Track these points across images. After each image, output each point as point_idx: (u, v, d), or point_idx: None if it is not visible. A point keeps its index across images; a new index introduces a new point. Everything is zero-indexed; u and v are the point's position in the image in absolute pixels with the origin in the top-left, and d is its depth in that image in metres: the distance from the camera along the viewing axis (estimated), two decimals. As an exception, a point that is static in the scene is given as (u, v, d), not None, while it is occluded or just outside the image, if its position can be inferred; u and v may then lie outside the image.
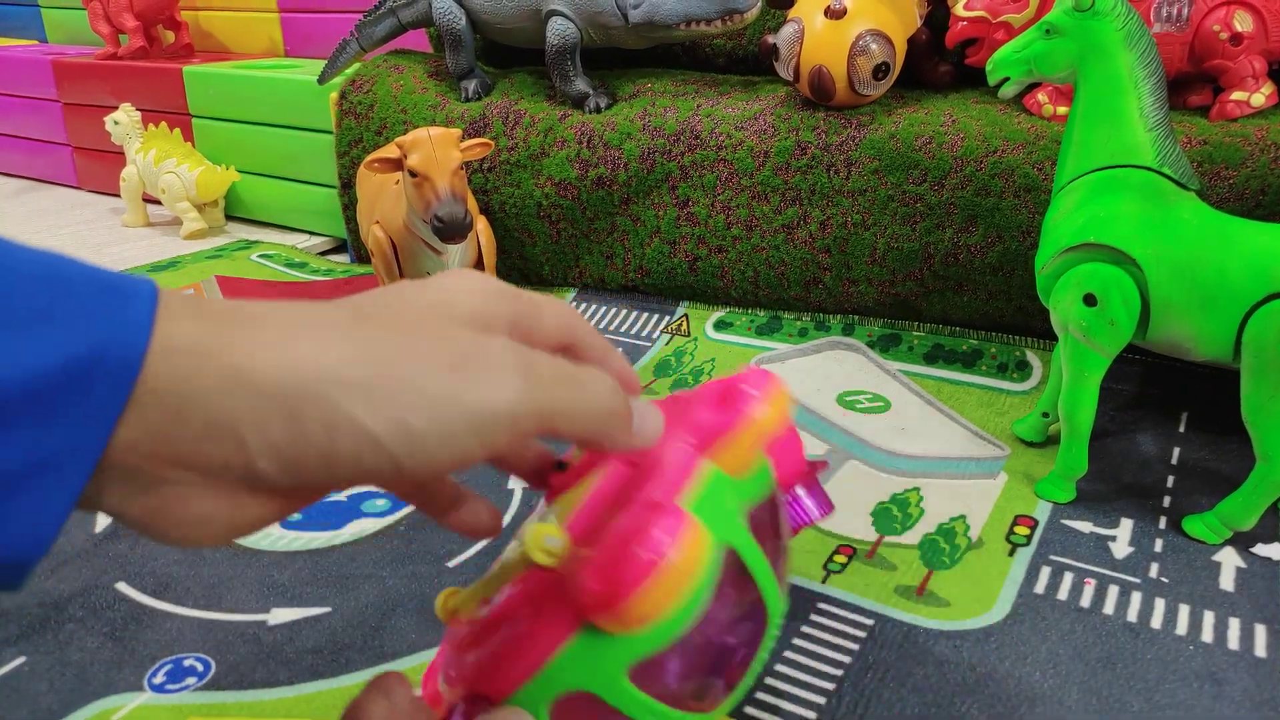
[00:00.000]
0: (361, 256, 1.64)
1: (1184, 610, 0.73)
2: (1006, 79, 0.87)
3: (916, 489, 0.91)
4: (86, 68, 2.07)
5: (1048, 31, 0.86)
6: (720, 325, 1.26)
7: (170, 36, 2.15)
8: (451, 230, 1.04)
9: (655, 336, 1.26)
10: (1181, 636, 0.71)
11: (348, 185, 1.55)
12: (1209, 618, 0.73)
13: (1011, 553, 0.81)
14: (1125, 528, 0.85)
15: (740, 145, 1.17)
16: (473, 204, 1.21)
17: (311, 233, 1.84)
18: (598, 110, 1.31)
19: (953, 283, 1.09)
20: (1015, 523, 0.86)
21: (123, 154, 1.98)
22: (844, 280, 1.15)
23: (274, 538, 0.84)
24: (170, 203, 1.81)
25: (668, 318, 1.30)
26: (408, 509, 0.88)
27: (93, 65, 2.05)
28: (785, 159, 1.14)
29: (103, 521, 0.86)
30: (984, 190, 1.03)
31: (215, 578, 0.78)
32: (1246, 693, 0.65)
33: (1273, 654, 0.69)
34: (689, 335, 1.25)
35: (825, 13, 1.07)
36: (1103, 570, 0.79)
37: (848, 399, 1.09)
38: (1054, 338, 1.07)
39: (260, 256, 1.68)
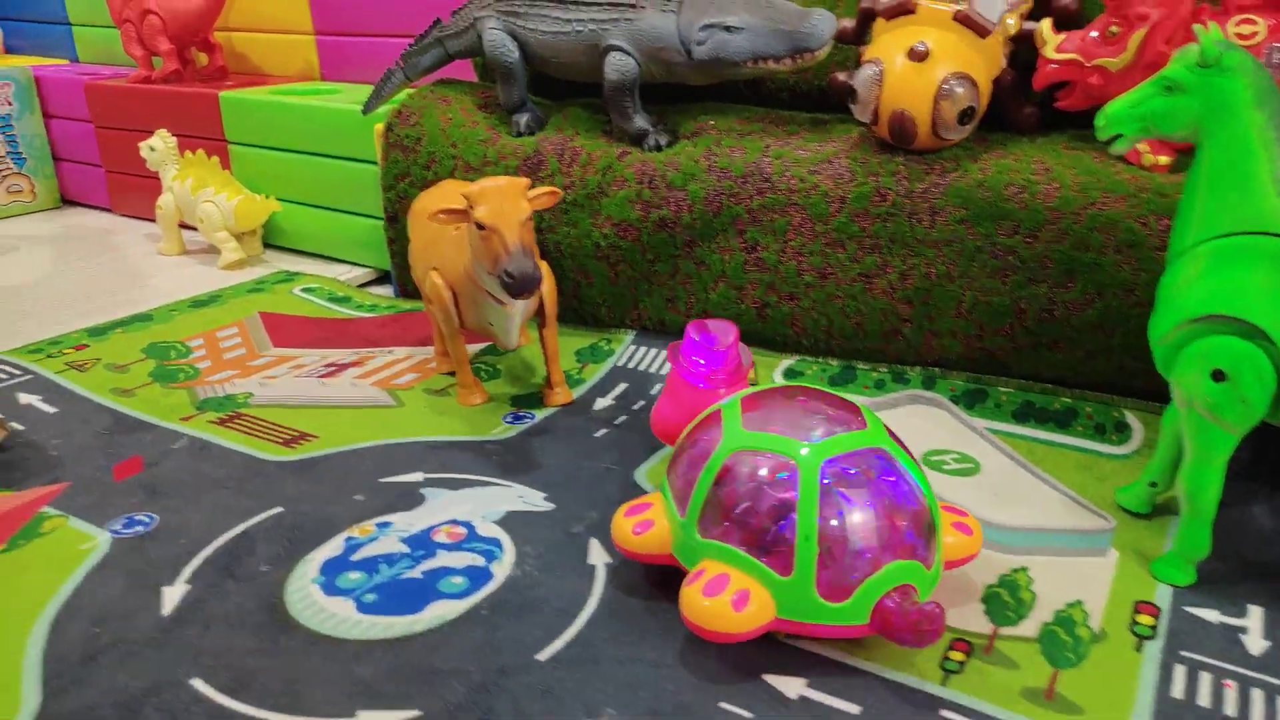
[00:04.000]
0: (407, 292, 1.59)
1: (1337, 720, 0.68)
2: (1119, 135, 0.82)
3: (1024, 569, 0.86)
4: (120, 91, 2.03)
5: (1168, 88, 0.81)
6: (790, 374, 1.21)
7: (204, 59, 2.11)
8: (522, 287, 0.99)
9: (723, 385, 1.21)
10: (1343, 752, 0.66)
11: (394, 219, 1.51)
12: (1368, 729, 0.67)
13: (1139, 647, 0.76)
14: (1256, 616, 0.80)
15: (814, 190, 1.12)
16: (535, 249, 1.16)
17: (353, 263, 1.79)
18: (658, 148, 1.27)
19: (1046, 339, 1.03)
20: (1136, 610, 0.80)
21: (157, 178, 1.94)
22: (926, 332, 1.10)
23: (352, 623, 0.79)
24: (208, 232, 1.77)
25: (734, 365, 1.24)
26: (488, 588, 0.84)
27: (127, 89, 2.01)
28: (863, 205, 1.09)
29: (169, 602, 0.82)
30: (1082, 244, 0.97)
31: (295, 672, 0.73)
32: None
33: None
34: (756, 384, 1.20)
35: (908, 54, 1.02)
36: (1240, 670, 0.73)
37: (934, 459, 1.03)
38: (1157, 398, 1.02)
39: (303, 290, 1.64)
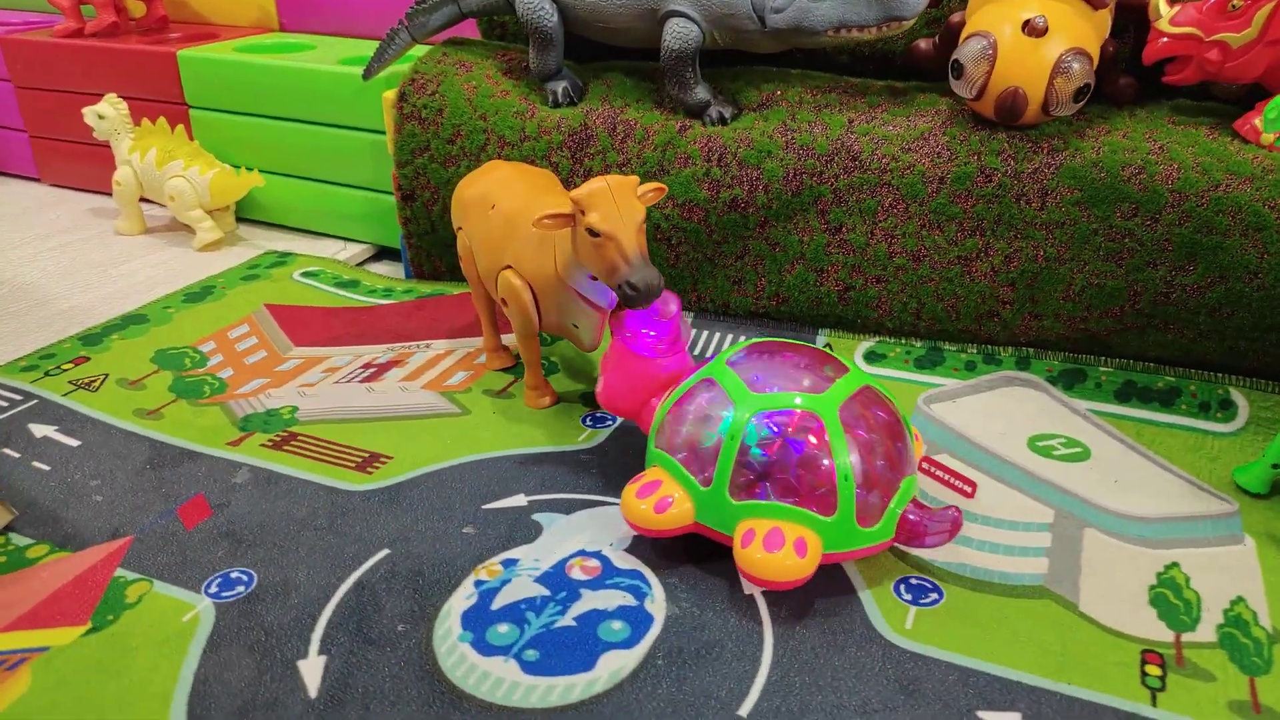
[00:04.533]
0: (423, 273, 1.48)
1: None
2: (1295, 129, 0.80)
3: (1176, 564, 0.86)
4: (48, 48, 1.80)
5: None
6: (871, 357, 1.17)
7: (141, 8, 1.88)
8: (645, 298, 0.90)
9: (801, 371, 1.17)
10: None
11: (409, 197, 1.39)
12: None
13: (1317, 645, 0.77)
14: (1406, 601, 0.82)
15: (910, 169, 1.07)
16: None
17: (346, 239, 1.66)
18: (722, 122, 1.19)
19: (1157, 321, 1.02)
20: (1298, 603, 0.81)
21: (97, 145, 1.75)
22: (1025, 314, 1.08)
23: (525, 688, 0.73)
24: (180, 211, 1.60)
25: (809, 348, 1.20)
26: (651, 633, 0.79)
27: (56, 45, 1.79)
28: (965, 186, 1.05)
29: (312, 681, 0.74)
30: (1206, 227, 0.96)
31: (487, 757, 0.67)
32: None
33: None
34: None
35: (1024, 28, 0.97)
36: None
37: (1040, 444, 1.02)
38: (1263, 375, 1.02)
39: (303, 275, 1.51)
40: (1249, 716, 0.71)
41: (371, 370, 1.22)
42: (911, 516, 0.82)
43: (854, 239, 1.12)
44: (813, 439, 0.80)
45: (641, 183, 0.92)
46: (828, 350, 0.90)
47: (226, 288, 1.46)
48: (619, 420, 1.10)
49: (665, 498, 0.84)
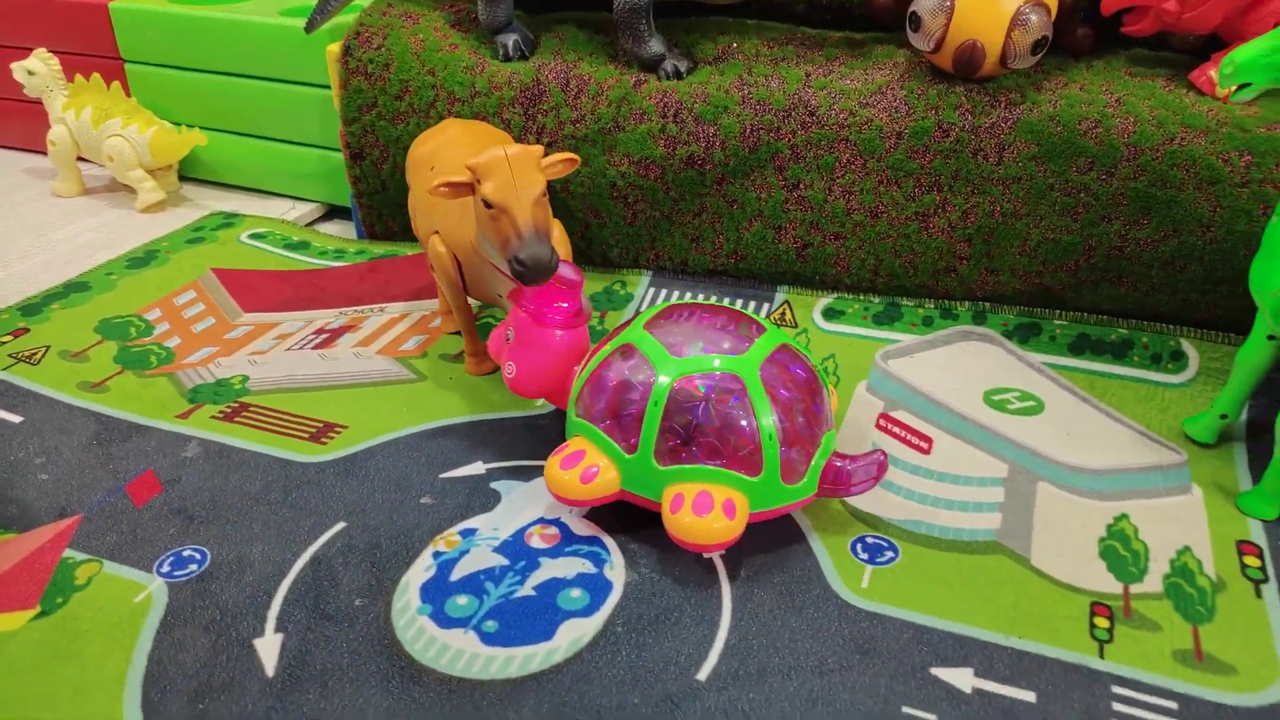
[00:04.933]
0: (375, 233, 1.45)
1: None
2: (1246, 85, 0.79)
3: (1125, 516, 0.87)
4: (-30, -1, 1.71)
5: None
6: (830, 314, 1.17)
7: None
8: (534, 276, 0.87)
9: (759, 329, 1.16)
10: None
11: (358, 155, 1.35)
12: None
13: (1258, 592, 0.79)
14: (1345, 547, 0.84)
15: (867, 124, 1.06)
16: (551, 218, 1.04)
17: (294, 198, 1.62)
18: (677, 76, 1.16)
19: (1111, 274, 1.03)
20: (1241, 551, 0.83)
21: (29, 101, 1.68)
22: (982, 270, 1.08)
23: (484, 659, 0.73)
24: (120, 171, 1.55)
25: (767, 305, 1.20)
26: (610, 600, 0.79)
27: (-21, -3, 1.70)
28: (923, 141, 1.04)
29: (269, 660, 0.73)
30: (1161, 181, 0.96)
31: (448, 731, 0.68)
32: None
33: None
34: (796, 325, 1.16)
35: (981, -21, 0.95)
36: (1355, 606, 0.78)
37: (995, 398, 1.03)
38: (1213, 326, 1.04)
39: (251, 237, 1.47)
40: (1192, 665, 0.72)
41: (324, 336, 1.20)
42: (837, 463, 0.83)
43: (812, 195, 1.11)
44: (735, 400, 0.80)
45: (550, 151, 0.90)
46: (746, 311, 0.91)
47: (171, 252, 1.42)
48: (577, 383, 1.09)
49: (590, 467, 0.83)
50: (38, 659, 0.73)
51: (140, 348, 1.16)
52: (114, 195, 1.64)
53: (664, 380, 0.81)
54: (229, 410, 1.04)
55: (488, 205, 0.87)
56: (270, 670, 0.73)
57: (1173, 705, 0.69)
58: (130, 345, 1.17)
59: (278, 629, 0.76)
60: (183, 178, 1.68)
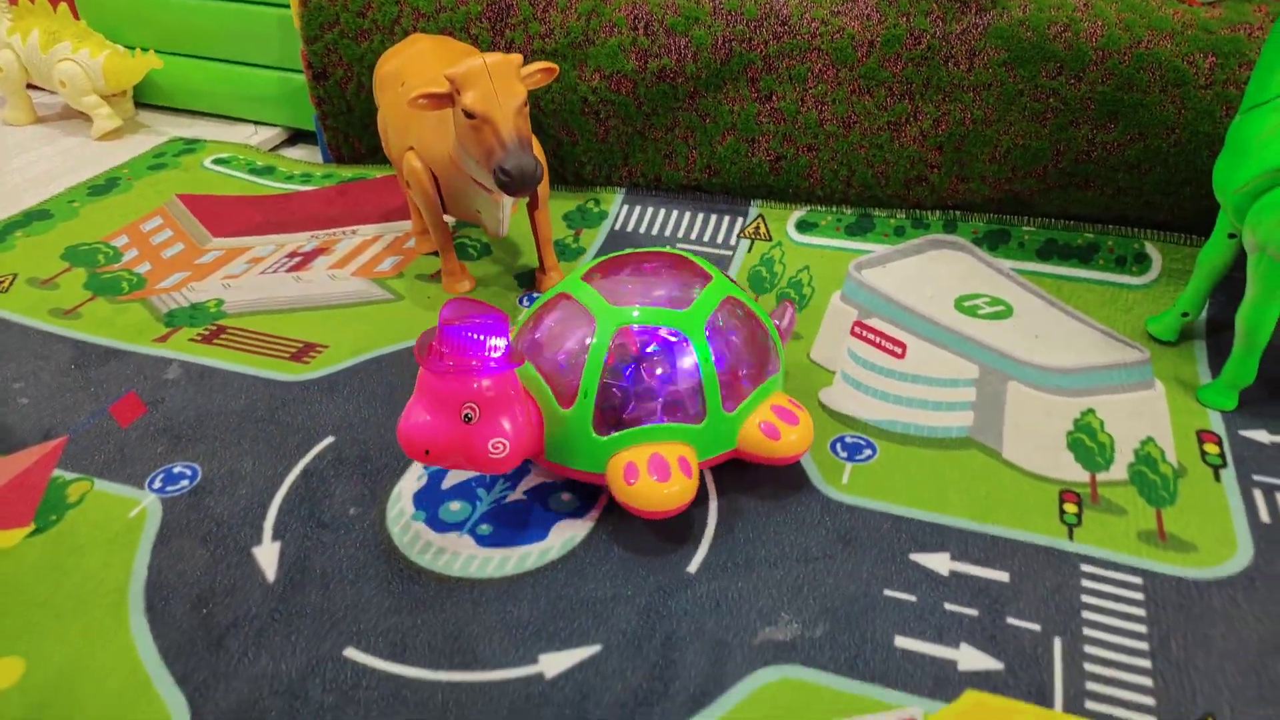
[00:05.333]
0: (341, 157, 1.43)
1: (1396, 523, 0.78)
2: (1215, -18, 0.80)
3: (1092, 410, 0.91)
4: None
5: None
6: (804, 226, 1.19)
7: None
8: (520, 185, 0.87)
9: (734, 243, 1.18)
10: None
11: (321, 76, 1.33)
12: None
13: (1216, 477, 0.83)
14: (1296, 432, 0.88)
15: (839, 33, 1.06)
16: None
17: (255, 123, 1.58)
18: (647, -14, 1.15)
19: (1078, 179, 1.05)
20: (1201, 440, 0.87)
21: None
22: (953, 178, 1.10)
23: (481, 560, 0.75)
24: (74, 97, 1.50)
25: (741, 219, 1.21)
26: (601, 502, 0.81)
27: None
28: (894, 49, 1.04)
29: (269, 566, 0.75)
30: (1128, 85, 0.98)
31: (450, 624, 0.70)
32: None
33: None
34: (770, 239, 1.18)
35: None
36: (1305, 487, 0.82)
37: (966, 304, 1.06)
38: (1175, 228, 1.07)
39: (214, 163, 1.44)
40: (1155, 544, 0.77)
41: (297, 259, 1.19)
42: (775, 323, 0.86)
43: (785, 107, 1.12)
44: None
45: (528, 61, 0.89)
46: (689, 256, 0.84)
47: (133, 178, 1.39)
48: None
49: (682, 458, 0.75)
50: (39, 573, 0.74)
51: (110, 274, 1.15)
52: (68, 123, 1.60)
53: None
54: (207, 333, 1.04)
55: (469, 115, 0.86)
56: (271, 576, 0.74)
57: (1138, 580, 0.73)
58: (100, 272, 1.15)
59: (275, 537, 0.78)
60: (138, 103, 1.64)
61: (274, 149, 1.54)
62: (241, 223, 1.27)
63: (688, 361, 0.76)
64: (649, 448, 0.74)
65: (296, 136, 1.58)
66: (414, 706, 0.64)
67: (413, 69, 1.04)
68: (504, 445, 0.70)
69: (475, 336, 0.67)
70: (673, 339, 0.76)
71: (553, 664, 0.67)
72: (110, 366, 0.98)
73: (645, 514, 0.73)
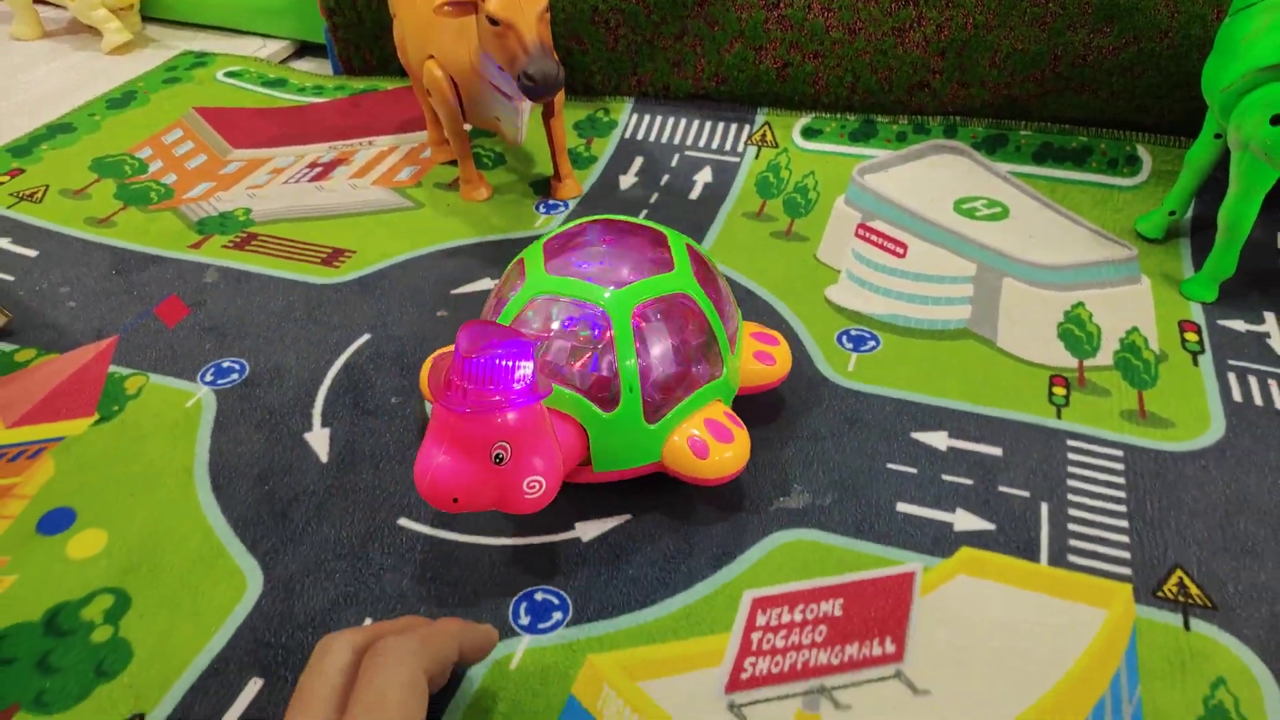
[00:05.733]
0: (352, 69, 1.45)
1: (1357, 401, 0.85)
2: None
3: (1081, 304, 0.97)
4: None
5: None
6: (808, 133, 1.22)
7: None
8: (544, 90, 0.89)
9: (741, 150, 1.22)
10: (1368, 427, 0.82)
11: (332, -14, 1.34)
12: (1380, 406, 0.84)
13: (1195, 362, 0.89)
14: (1271, 321, 0.94)
15: (846, -62, 1.08)
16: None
17: (263, 35, 1.60)
18: (656, -107, 1.16)
19: (1074, 83, 1.09)
20: (1182, 329, 0.93)
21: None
22: (954, 84, 1.13)
23: (516, 442, 0.81)
24: (83, 11, 1.52)
25: (748, 127, 1.25)
26: (625, 389, 0.87)
27: None
28: (899, -46, 1.07)
29: (321, 449, 0.81)
30: (1123, -12, 1.01)
31: (492, 498, 0.76)
32: None
33: None
34: (777, 145, 1.22)
35: None
36: (1276, 369, 0.88)
37: (965, 206, 1.11)
38: (1166, 131, 1.11)
39: (227, 76, 1.46)
40: (1136, 422, 0.83)
41: (318, 170, 1.23)
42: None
43: (792, 14, 1.14)
44: (683, 318, 0.71)
45: None
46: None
47: (149, 92, 1.41)
48: (571, 205, 1.15)
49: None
50: (109, 457, 0.80)
51: (139, 184, 1.19)
52: (76, 38, 1.61)
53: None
54: (239, 240, 1.08)
55: (493, 22, 0.90)
56: (324, 457, 0.80)
57: (1119, 453, 0.80)
58: (128, 183, 1.19)
59: (324, 424, 0.84)
60: (144, 18, 1.65)
61: (283, 61, 1.55)
62: (259, 135, 1.31)
63: (694, 320, 0.72)
64: (697, 416, 0.71)
65: (304, 49, 1.60)
66: (464, 566, 0.71)
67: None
68: (540, 484, 0.63)
69: (502, 363, 0.58)
70: (684, 302, 0.71)
71: (588, 530, 0.74)
72: (150, 271, 1.03)
73: (714, 483, 0.71)
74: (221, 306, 0.98)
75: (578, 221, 0.78)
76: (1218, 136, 0.96)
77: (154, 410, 0.85)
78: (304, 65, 1.55)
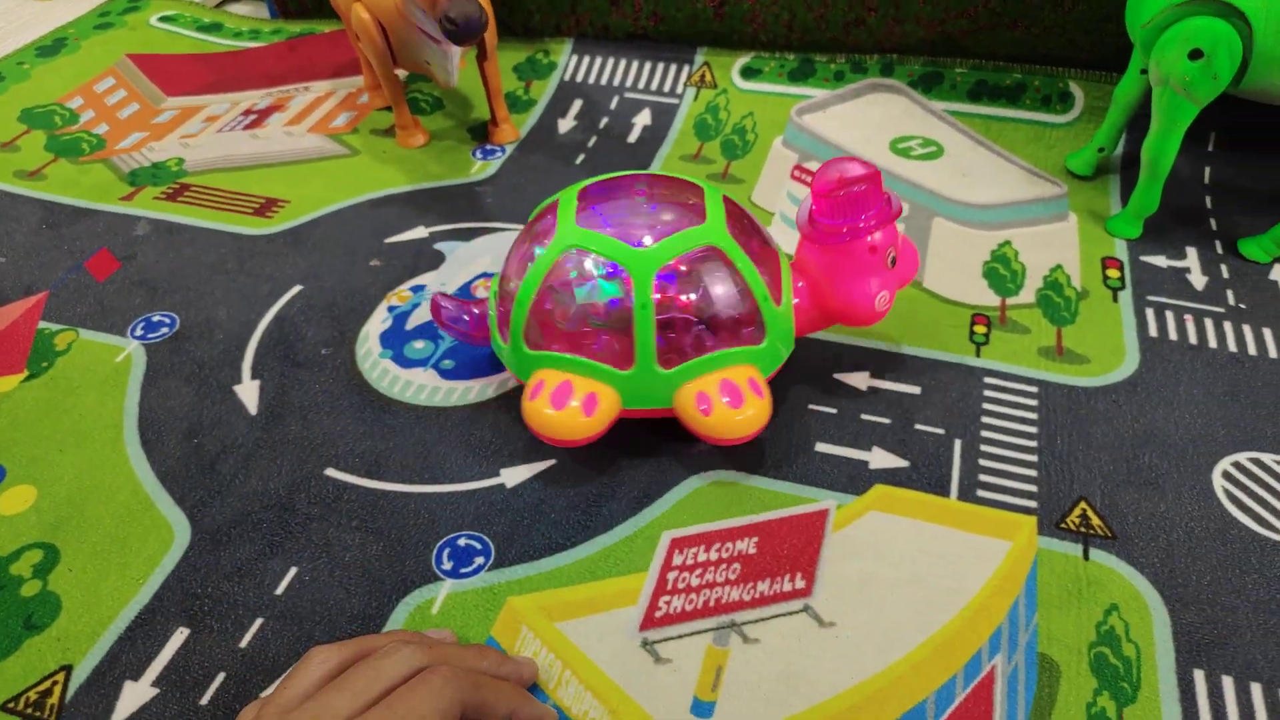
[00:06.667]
0: (288, 11, 1.42)
1: (1268, 333, 0.87)
2: None
3: (1008, 242, 0.98)
4: None
5: None
6: (747, 72, 1.22)
7: None
8: (465, 33, 0.88)
9: (680, 91, 1.21)
10: (1276, 359, 0.84)
11: (262, -74, 1.31)
12: (1289, 338, 0.86)
13: (1115, 299, 0.91)
14: (1192, 257, 0.96)
15: (778, -128, 1.07)
16: None
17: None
18: None
19: (1006, 19, 1.08)
20: (1105, 265, 0.95)
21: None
22: (889, 20, 1.13)
23: (445, 390, 0.83)
24: (8, -46, 1.47)
25: (687, 67, 1.24)
26: (555, 336, 0.88)
27: None
28: (832, -111, 1.05)
29: (250, 401, 0.82)
30: (1054, -79, 1.00)
31: (419, 445, 0.78)
32: (1342, 404, 0.80)
33: (1346, 364, 0.84)
34: (716, 86, 1.21)
35: None
36: (1193, 304, 0.90)
37: (900, 146, 1.11)
38: (1098, 67, 1.12)
39: (161, 20, 1.43)
40: (1052, 358, 0.85)
41: (253, 117, 1.21)
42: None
43: (726, -49, 1.13)
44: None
45: None
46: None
47: (80, 38, 1.38)
48: (509, 150, 1.14)
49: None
50: (38, 412, 0.81)
51: (70, 135, 1.17)
52: (4, -18, 1.56)
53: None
54: (171, 191, 1.07)
55: None
56: (253, 410, 0.81)
57: (1033, 389, 0.82)
58: (58, 134, 1.17)
59: (253, 376, 0.84)
60: (74, -40, 1.60)
61: (219, 5, 1.52)
62: (194, 81, 1.28)
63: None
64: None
65: (241, -9, 1.56)
66: (390, 514, 0.72)
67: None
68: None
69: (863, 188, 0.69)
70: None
71: (513, 476, 0.75)
72: (81, 225, 1.02)
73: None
74: (152, 260, 0.98)
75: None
76: (1144, 72, 0.97)
77: (83, 366, 0.85)
78: (240, 9, 1.51)
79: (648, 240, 0.69)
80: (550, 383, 0.72)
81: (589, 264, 0.70)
